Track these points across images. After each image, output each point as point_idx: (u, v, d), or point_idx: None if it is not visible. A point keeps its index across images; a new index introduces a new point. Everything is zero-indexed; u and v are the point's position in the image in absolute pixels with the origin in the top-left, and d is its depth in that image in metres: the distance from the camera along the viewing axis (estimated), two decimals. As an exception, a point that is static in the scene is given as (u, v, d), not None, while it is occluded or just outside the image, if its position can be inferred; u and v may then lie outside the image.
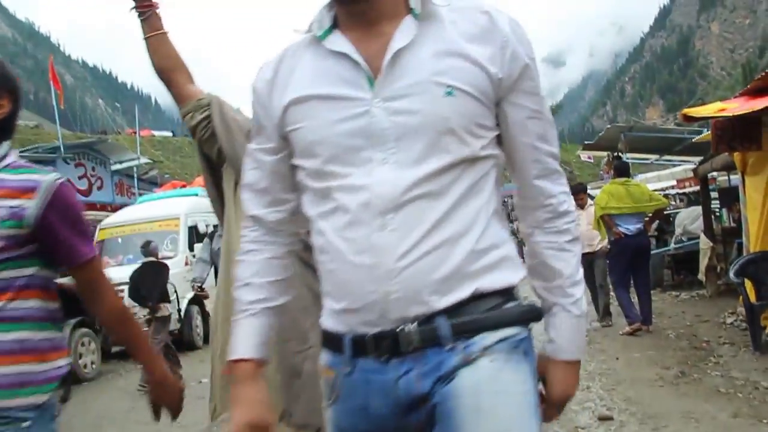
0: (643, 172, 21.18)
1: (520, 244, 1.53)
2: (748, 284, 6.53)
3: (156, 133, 69.34)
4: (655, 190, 19.04)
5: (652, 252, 11.42)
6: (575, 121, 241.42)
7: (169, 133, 71.74)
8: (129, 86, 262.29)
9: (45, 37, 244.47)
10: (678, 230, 12.38)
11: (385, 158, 1.26)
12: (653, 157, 15.30)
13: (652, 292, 10.99)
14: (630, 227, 7.77)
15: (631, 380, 5.58)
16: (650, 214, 8.47)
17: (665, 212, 12.30)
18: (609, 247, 8.17)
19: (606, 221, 7.85)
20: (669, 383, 5.40)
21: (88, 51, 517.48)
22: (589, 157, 30.53)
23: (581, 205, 8.55)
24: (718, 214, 13.17)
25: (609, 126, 13.20)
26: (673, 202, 17.40)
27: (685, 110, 7.39)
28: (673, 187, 18.41)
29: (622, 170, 8.48)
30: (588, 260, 8.22)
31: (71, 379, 7.06)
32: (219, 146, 2.35)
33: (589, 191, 9.94)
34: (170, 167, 45.22)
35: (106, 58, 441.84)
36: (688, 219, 12.24)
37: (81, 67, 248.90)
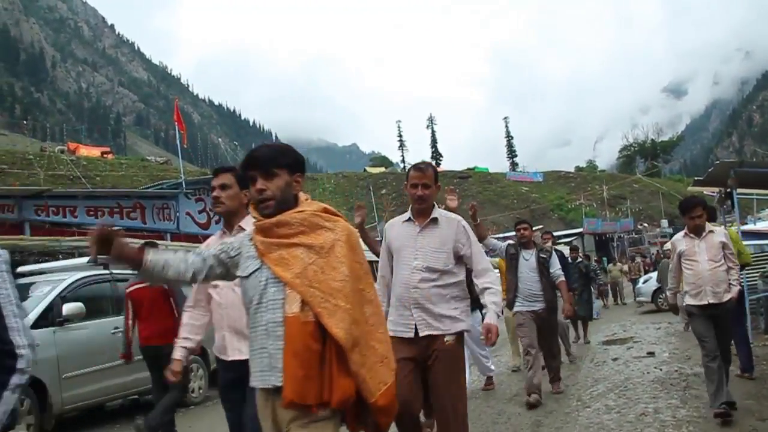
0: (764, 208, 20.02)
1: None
2: None
3: (276, 168, 72.17)
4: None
5: (765, 294, 10.77)
6: (698, 153, 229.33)
7: (288, 169, 74.44)
8: (251, 123, 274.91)
9: (176, 78, 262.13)
10: (793, 270, 11.55)
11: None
12: (772, 192, 14.44)
13: (765, 337, 10.41)
14: None
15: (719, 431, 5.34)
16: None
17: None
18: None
19: None
20: (761, 436, 5.10)
21: (214, 90, 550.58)
22: (712, 192, 29.18)
23: (698, 228, 5.85)
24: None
25: (717, 162, 12.62)
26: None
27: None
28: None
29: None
30: (709, 314, 5.71)
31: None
32: None
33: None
34: (286, 201, 46.88)
35: (231, 96, 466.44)
36: (805, 258, 11.44)
37: (207, 105, 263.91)
